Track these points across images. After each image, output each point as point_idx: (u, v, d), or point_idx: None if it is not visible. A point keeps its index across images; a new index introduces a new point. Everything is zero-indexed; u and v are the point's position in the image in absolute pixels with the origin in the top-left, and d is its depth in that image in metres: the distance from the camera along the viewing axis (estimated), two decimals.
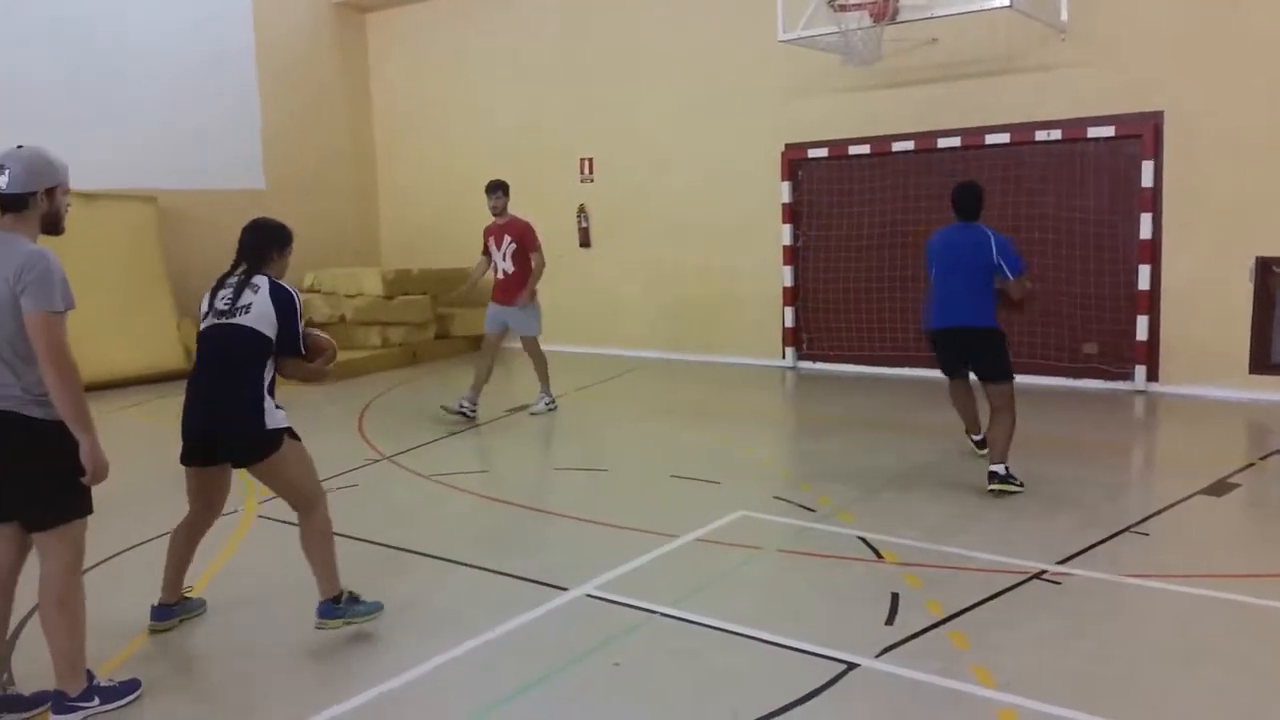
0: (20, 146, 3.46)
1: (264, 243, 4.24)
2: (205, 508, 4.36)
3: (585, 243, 12.39)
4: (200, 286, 4.49)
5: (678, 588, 4.63)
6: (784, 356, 11.07)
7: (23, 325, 3.28)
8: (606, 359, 11.85)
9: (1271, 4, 8.20)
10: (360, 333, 12.16)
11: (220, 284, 4.20)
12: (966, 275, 6.10)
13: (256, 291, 4.09)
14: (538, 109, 12.70)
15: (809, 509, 5.83)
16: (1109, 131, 8.98)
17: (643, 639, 4.12)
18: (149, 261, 11.50)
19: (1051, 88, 9.20)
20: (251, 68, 13.01)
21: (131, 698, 3.67)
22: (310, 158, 13.57)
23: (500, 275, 8.65)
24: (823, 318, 10.85)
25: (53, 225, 3.51)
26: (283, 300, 4.10)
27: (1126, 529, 5.30)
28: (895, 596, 4.42)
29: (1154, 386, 9.03)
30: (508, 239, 8.56)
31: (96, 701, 3.55)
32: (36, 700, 3.61)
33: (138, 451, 8.37)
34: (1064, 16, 8.93)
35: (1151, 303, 8.97)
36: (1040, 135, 9.27)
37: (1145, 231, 8.90)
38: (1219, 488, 6.03)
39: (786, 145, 10.74)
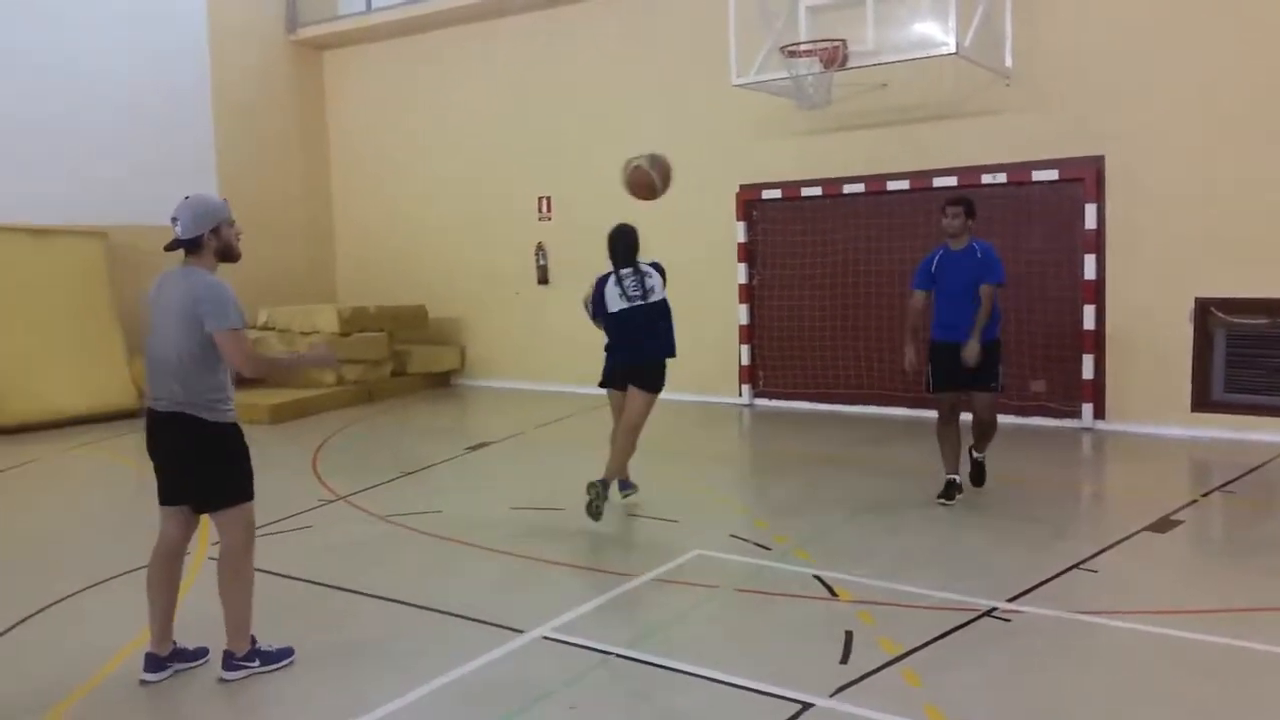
0: (187, 197, 4.07)
1: (632, 243, 6.48)
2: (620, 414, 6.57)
3: (544, 280, 12.43)
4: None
5: (635, 628, 4.63)
6: (741, 394, 11.16)
7: (199, 341, 3.92)
8: (565, 396, 11.85)
9: (1205, 52, 8.54)
10: (314, 370, 12.03)
11: (618, 279, 6.41)
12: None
13: (650, 277, 6.44)
14: (495, 147, 12.76)
15: (765, 547, 5.87)
16: (1053, 175, 9.24)
17: (599, 682, 4.11)
18: (98, 298, 11.32)
19: (997, 132, 9.45)
20: (207, 103, 12.95)
21: (286, 662, 4.20)
22: (266, 194, 13.49)
23: None
24: (778, 355, 10.97)
25: (226, 255, 4.13)
26: (663, 273, 6.55)
27: (1075, 566, 5.40)
28: (849, 634, 4.45)
29: (1100, 424, 9.23)
30: None
31: (257, 663, 4.13)
32: (198, 653, 4.26)
33: (90, 491, 8.23)
34: (1009, 63, 9.22)
35: (1097, 342, 9.19)
36: (986, 178, 9.51)
37: (1090, 272, 9.13)
38: (1163, 524, 6.17)
39: (741, 186, 10.92)
